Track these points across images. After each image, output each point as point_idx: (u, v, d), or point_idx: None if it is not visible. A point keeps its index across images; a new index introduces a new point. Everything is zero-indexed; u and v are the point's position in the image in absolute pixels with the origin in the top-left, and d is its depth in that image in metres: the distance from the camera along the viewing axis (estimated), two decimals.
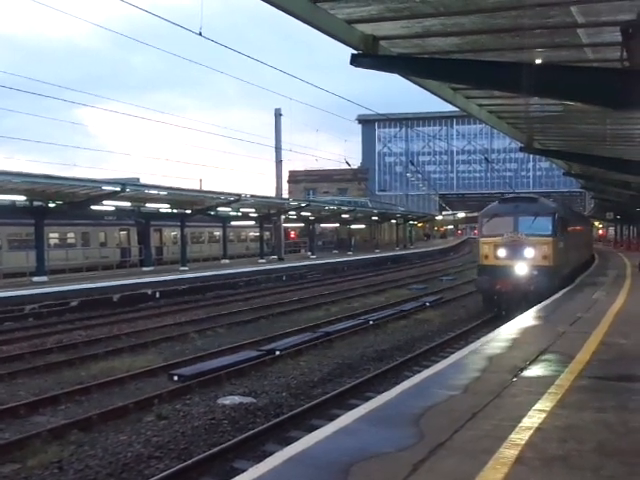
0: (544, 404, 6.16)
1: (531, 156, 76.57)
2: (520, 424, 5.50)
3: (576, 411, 5.95)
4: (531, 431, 5.32)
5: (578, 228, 26.95)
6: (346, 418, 5.95)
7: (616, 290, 17.64)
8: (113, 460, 7.80)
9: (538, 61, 10.21)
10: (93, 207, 27.59)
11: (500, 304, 18.73)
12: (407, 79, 11.18)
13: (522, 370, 7.70)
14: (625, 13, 8.00)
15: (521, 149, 21.03)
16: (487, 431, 5.35)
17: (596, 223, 67.54)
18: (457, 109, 15.15)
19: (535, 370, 7.74)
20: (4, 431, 9.09)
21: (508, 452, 4.81)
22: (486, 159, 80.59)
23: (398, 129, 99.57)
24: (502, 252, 18.59)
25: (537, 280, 17.63)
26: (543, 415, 5.79)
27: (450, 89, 13.05)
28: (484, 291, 19.43)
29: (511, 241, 18.38)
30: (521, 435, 5.22)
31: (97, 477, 7.32)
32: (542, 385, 6.89)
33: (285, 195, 55.50)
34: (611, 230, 72.43)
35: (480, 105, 15.07)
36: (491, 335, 10.48)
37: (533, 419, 5.66)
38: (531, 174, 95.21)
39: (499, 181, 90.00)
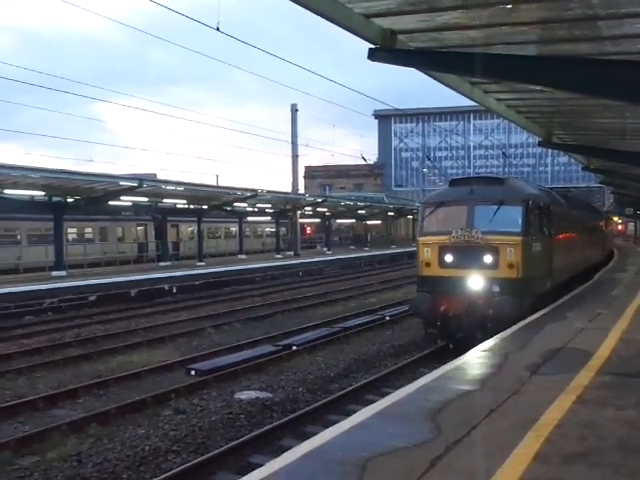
0: (563, 401, 6.09)
1: (549, 151, 75.80)
2: (539, 421, 5.45)
3: (596, 408, 5.88)
4: (550, 428, 5.27)
5: (581, 223, 20.75)
6: (363, 413, 5.93)
7: (636, 286, 17.41)
8: (131, 453, 7.87)
9: (558, 54, 10.10)
10: (111, 202, 27.82)
11: (446, 333, 13.05)
12: (425, 73, 11.09)
13: (540, 367, 7.62)
14: None
15: (539, 144, 20.77)
16: (505, 427, 5.31)
17: (615, 218, 66.70)
18: (474, 104, 15.01)
19: (553, 367, 7.66)
20: (24, 424, 9.21)
21: (527, 449, 4.77)
22: (504, 154, 79.80)
23: (414, 124, 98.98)
24: (449, 258, 12.81)
25: (498, 300, 11.97)
26: (562, 412, 5.73)
27: (468, 83, 12.93)
28: (422, 314, 13.13)
29: (462, 242, 12.63)
30: (540, 432, 5.17)
31: (115, 470, 7.38)
32: (561, 382, 6.82)
33: (301, 191, 55.49)
34: (631, 225, 71.58)
35: (498, 99, 14.91)
36: (507, 332, 10.39)
37: (552, 416, 5.60)
38: (549, 169, 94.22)
39: (517, 176, 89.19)
